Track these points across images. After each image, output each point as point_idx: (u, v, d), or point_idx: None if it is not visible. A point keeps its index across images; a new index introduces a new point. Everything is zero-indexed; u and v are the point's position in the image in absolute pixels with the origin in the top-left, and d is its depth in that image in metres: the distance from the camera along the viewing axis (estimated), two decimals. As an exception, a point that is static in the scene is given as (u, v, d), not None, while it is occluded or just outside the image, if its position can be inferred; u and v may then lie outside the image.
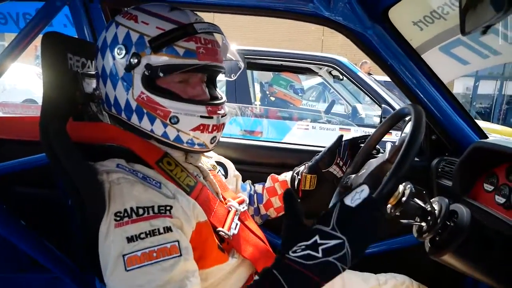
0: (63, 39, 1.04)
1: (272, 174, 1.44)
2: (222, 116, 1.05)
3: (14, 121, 1.77)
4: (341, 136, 1.36)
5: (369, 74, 5.57)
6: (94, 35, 1.55)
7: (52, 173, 1.00)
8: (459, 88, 13.75)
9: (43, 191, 1.56)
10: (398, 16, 1.34)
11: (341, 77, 3.92)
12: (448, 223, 1.07)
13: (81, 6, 1.50)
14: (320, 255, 0.72)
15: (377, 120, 4.00)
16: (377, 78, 4.70)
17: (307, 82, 6.37)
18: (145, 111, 0.98)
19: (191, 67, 0.97)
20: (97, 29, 1.54)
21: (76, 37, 1.54)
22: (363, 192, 0.77)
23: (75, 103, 1.06)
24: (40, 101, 0.98)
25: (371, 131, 1.37)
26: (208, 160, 1.25)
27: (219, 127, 1.04)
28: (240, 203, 1.16)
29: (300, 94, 4.95)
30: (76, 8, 1.51)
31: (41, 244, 1.53)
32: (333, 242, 0.73)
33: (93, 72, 1.10)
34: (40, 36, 1.30)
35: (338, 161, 1.33)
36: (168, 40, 0.95)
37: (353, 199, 0.76)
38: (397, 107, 3.35)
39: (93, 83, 1.10)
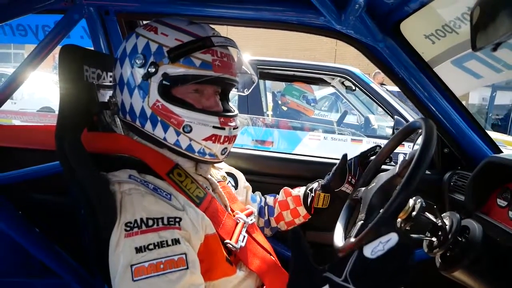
0: (80, 52, 1.07)
1: (286, 187, 1.43)
2: (234, 128, 1.06)
3: (29, 130, 1.81)
4: (345, 156, 1.34)
5: (382, 84, 5.54)
6: (110, 46, 1.59)
7: (65, 180, 1.03)
8: (474, 98, 13.51)
9: (57, 198, 1.58)
10: (409, 29, 1.34)
11: (353, 87, 3.91)
12: (460, 239, 1.05)
13: (97, 18, 1.55)
14: None
15: (390, 131, 3.96)
16: (390, 88, 4.68)
17: (320, 92, 6.37)
18: (159, 119, 1.01)
19: (206, 78, 0.99)
20: (112, 41, 1.58)
21: (92, 49, 1.58)
22: (389, 242, 0.68)
23: (90, 114, 1.08)
24: (56, 109, 1.01)
25: (383, 142, 1.36)
26: (218, 171, 1.26)
27: (230, 139, 1.06)
28: (248, 215, 1.16)
29: (312, 104, 4.94)
30: (92, 21, 1.55)
31: (53, 250, 1.55)
32: None
33: (108, 83, 1.13)
34: (58, 47, 1.34)
35: (350, 179, 1.32)
36: (186, 51, 0.98)
37: (374, 250, 0.68)
38: (410, 118, 3.32)
39: (108, 94, 1.13)
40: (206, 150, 1.03)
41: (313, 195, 1.34)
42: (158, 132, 1.02)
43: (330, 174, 1.34)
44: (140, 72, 1.00)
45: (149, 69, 0.99)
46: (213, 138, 1.02)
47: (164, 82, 0.99)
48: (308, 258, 0.74)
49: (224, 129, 1.03)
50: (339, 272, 0.68)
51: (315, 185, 1.36)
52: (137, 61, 1.00)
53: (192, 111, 1.00)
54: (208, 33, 1.03)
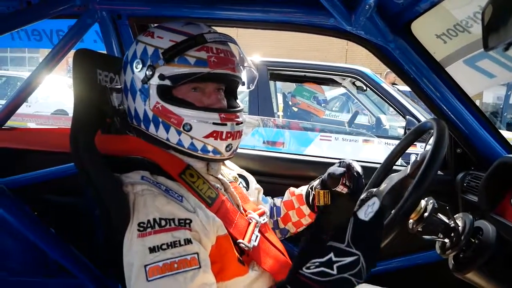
0: (93, 56, 1.09)
1: (291, 187, 1.43)
2: (237, 124, 1.06)
3: (45, 133, 1.85)
4: (348, 165, 1.29)
5: (394, 84, 5.49)
6: (122, 50, 1.61)
7: (79, 182, 1.05)
8: (489, 97, 13.29)
9: (71, 199, 1.61)
10: (421, 29, 1.33)
11: (364, 88, 3.89)
12: (473, 240, 1.04)
13: (110, 23, 1.57)
14: (334, 272, 0.72)
15: (402, 131, 3.93)
16: (401, 88, 4.64)
17: (331, 92, 6.35)
18: (160, 120, 1.02)
19: (200, 75, 1.00)
20: (125, 45, 1.61)
21: (105, 52, 1.61)
22: (374, 204, 0.78)
23: (104, 117, 1.10)
24: (69, 111, 1.04)
25: (394, 142, 1.35)
26: (230, 172, 1.27)
27: (234, 135, 1.06)
28: (261, 215, 1.17)
29: (323, 105, 4.92)
30: (105, 25, 1.58)
31: (68, 250, 1.58)
32: (348, 260, 0.73)
33: (120, 86, 1.15)
34: (71, 51, 1.37)
35: (344, 181, 1.27)
36: (179, 51, 1.00)
37: (366, 213, 0.77)
38: (422, 118, 3.29)
39: (120, 97, 1.15)
40: (208, 147, 1.04)
41: (313, 193, 1.31)
42: (161, 133, 1.04)
43: (326, 175, 1.30)
44: (140, 77, 1.02)
45: (147, 72, 1.01)
46: (214, 135, 1.02)
47: (161, 83, 1.00)
48: (322, 232, 0.79)
49: (225, 125, 1.03)
50: (341, 239, 0.75)
51: (316, 182, 1.33)
52: (136, 66, 1.03)
53: (190, 109, 1.01)
54: (203, 31, 1.04)
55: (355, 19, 1.26)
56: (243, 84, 1.15)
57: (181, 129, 1.01)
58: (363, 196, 1.23)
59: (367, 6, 1.15)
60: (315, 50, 12.83)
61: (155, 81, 1.01)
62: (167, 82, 1.00)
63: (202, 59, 1.00)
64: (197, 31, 1.03)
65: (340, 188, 1.29)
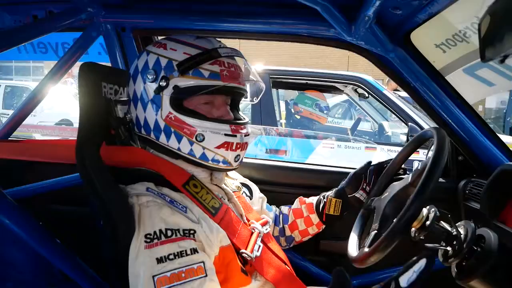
0: (98, 69, 1.11)
1: (300, 196, 1.45)
2: (245, 135, 1.10)
3: (51, 145, 1.86)
4: (370, 162, 1.36)
5: (396, 90, 5.50)
6: (126, 61, 1.64)
7: (84, 192, 1.06)
8: (492, 102, 13.24)
9: (76, 209, 1.62)
10: (420, 39, 1.34)
11: (366, 95, 3.91)
12: (475, 248, 1.05)
13: (114, 35, 1.60)
14: None
15: (404, 138, 3.94)
16: (403, 95, 4.65)
17: (333, 99, 6.36)
18: (172, 130, 1.04)
19: (215, 88, 1.02)
20: (129, 57, 1.63)
21: (110, 65, 1.63)
22: (421, 268, 0.78)
23: (108, 129, 1.12)
24: (74, 121, 1.05)
25: (397, 149, 1.36)
26: (233, 182, 1.28)
27: (242, 146, 1.09)
28: (263, 224, 1.18)
29: (325, 112, 4.94)
30: (110, 37, 1.60)
31: (73, 260, 1.59)
32: None
33: (125, 99, 1.17)
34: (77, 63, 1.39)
35: (364, 186, 1.32)
36: (194, 64, 1.02)
37: (409, 280, 0.78)
38: (424, 124, 3.29)
39: (125, 109, 1.17)
40: (219, 158, 1.06)
41: (325, 200, 1.34)
42: (172, 143, 1.06)
43: (347, 178, 1.35)
44: (152, 87, 1.05)
45: (160, 83, 1.03)
46: (226, 146, 1.05)
47: (175, 94, 1.03)
48: None
49: (235, 136, 1.06)
50: None
51: (329, 192, 1.37)
52: (148, 76, 1.05)
53: (204, 120, 1.04)
54: (215, 45, 1.07)
55: (355, 30, 1.28)
56: (246, 97, 1.18)
57: (194, 139, 1.04)
58: (366, 204, 1.25)
59: (366, 17, 1.16)
60: (317, 57, 12.87)
61: (168, 91, 1.03)
62: (181, 93, 1.03)
63: (215, 73, 1.03)
64: (210, 46, 1.06)
65: (359, 194, 1.32)
